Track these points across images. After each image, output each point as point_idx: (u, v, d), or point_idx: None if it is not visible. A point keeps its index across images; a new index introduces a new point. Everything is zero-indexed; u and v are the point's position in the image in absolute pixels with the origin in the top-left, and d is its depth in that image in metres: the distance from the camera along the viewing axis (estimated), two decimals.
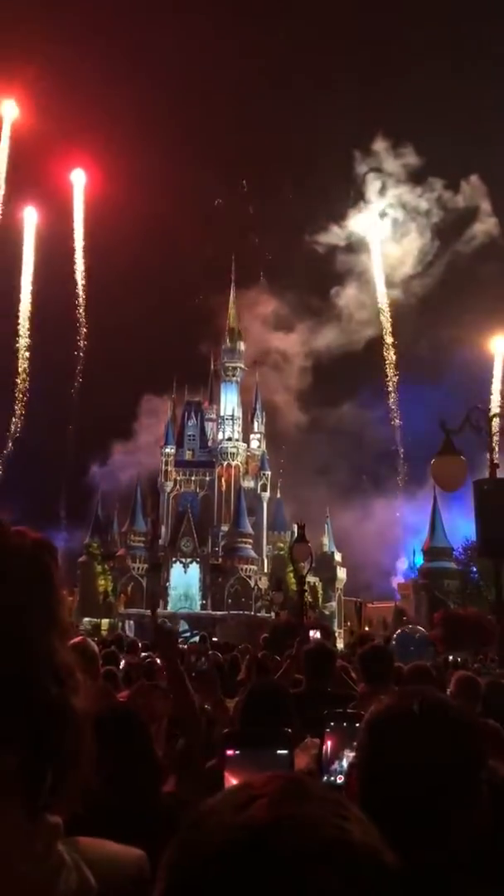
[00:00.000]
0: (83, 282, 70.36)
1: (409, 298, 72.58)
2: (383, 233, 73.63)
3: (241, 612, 58.02)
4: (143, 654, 11.18)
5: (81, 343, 70.19)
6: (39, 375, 68.01)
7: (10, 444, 65.72)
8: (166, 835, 0.71)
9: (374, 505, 69.68)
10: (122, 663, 8.20)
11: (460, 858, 1.44)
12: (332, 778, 1.80)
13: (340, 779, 1.75)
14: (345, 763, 1.82)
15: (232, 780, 1.46)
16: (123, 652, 9.98)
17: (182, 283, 77.49)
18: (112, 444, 71.52)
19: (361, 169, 72.58)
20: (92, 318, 70.94)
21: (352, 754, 1.73)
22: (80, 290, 70.27)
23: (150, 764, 2.18)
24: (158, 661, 8.57)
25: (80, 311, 70.25)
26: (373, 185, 73.21)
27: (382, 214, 73.51)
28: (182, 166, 74.94)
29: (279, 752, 1.54)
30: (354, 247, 73.83)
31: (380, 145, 72.21)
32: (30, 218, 69.87)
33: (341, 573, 67.86)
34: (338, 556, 67.83)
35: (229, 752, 1.50)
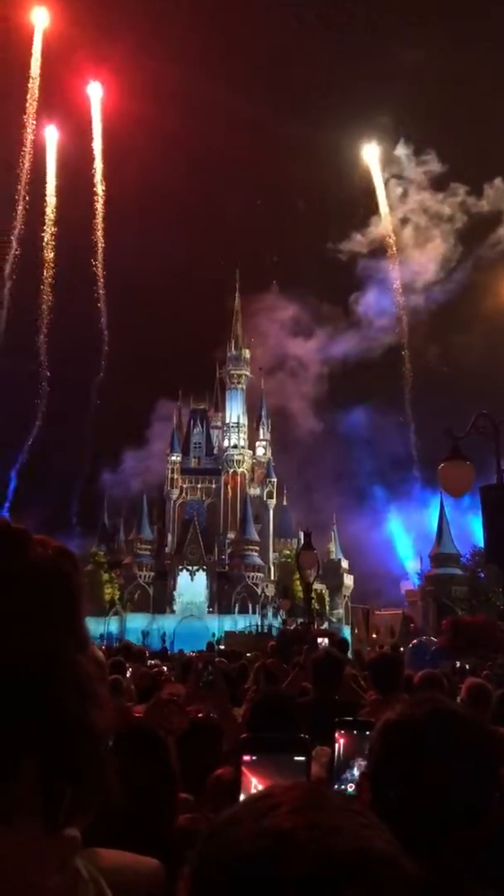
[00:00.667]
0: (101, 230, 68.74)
1: (430, 304, 72.32)
2: (405, 239, 73.42)
3: (248, 619, 57.91)
4: (151, 662, 11.16)
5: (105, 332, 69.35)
6: (60, 365, 67.61)
7: (29, 444, 65.30)
8: (181, 853, 0.71)
9: (389, 511, 69.41)
10: (129, 672, 8.17)
11: (472, 865, 1.42)
12: (343, 786, 1.79)
13: (351, 787, 1.74)
14: (356, 771, 1.80)
15: (249, 786, 1.44)
16: (130, 660, 9.95)
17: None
18: (124, 449, 71.55)
19: (383, 175, 72.15)
20: (110, 283, 69.51)
21: (363, 762, 1.72)
22: (98, 236, 68.66)
23: (169, 783, 2.16)
24: (165, 669, 8.55)
25: (100, 292, 69.28)
26: (394, 191, 72.97)
27: (404, 220, 73.29)
28: (205, 85, 72.13)
29: (296, 758, 1.52)
30: (375, 253, 73.63)
31: (401, 151, 71.87)
32: (51, 138, 67.69)
33: (348, 580, 67.72)
34: (345, 563, 67.72)
35: (246, 758, 1.48)
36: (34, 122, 65.50)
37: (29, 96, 64.62)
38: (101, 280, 69.32)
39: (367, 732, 1.72)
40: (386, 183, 71.82)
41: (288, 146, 71.37)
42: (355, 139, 69.88)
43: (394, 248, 71.82)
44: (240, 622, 58.10)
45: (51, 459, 65.71)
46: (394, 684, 4.05)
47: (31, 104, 64.93)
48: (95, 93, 67.94)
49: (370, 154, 69.60)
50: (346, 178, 71.12)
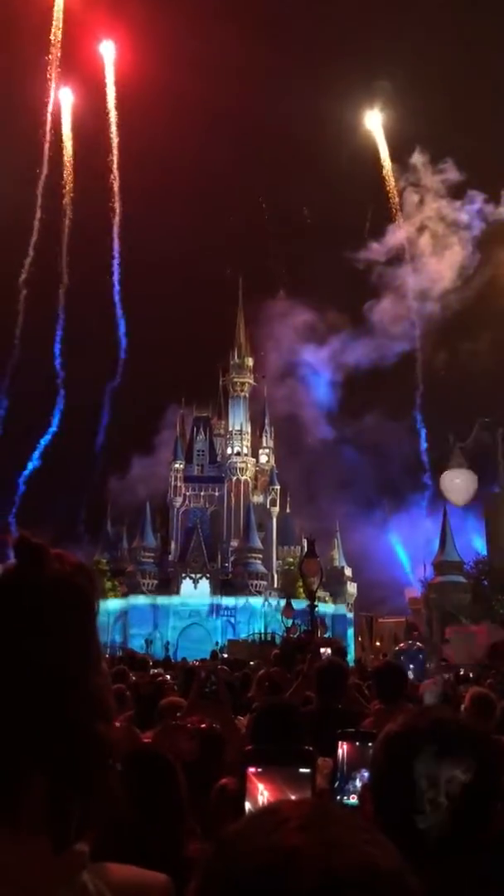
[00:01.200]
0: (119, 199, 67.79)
1: (445, 312, 71.89)
2: (421, 247, 73.08)
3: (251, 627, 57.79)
4: (154, 671, 11.14)
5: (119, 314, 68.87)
6: (74, 370, 67.41)
7: (42, 450, 65.06)
8: (188, 878, 0.71)
9: (396, 519, 69.08)
10: (132, 681, 8.16)
11: (474, 877, 1.42)
12: (346, 797, 1.78)
13: (353, 798, 1.74)
14: (358, 783, 1.80)
15: (255, 796, 1.44)
16: (134, 669, 9.94)
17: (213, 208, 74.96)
18: (133, 456, 71.45)
19: (399, 184, 71.80)
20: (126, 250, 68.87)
21: (366, 773, 1.71)
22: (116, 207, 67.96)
23: (177, 809, 2.16)
24: (168, 678, 8.54)
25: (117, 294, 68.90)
26: (410, 199, 72.59)
27: (421, 228, 72.96)
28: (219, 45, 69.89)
29: (301, 770, 1.52)
30: (391, 261, 73.27)
31: (417, 159, 71.52)
32: (66, 101, 66.39)
33: (352, 588, 67.53)
34: (348, 571, 67.54)
35: (251, 770, 1.48)
36: (53, 87, 64.65)
37: (48, 58, 63.59)
38: (117, 279, 69.05)
39: (370, 744, 1.72)
40: (402, 191, 71.52)
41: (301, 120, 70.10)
42: (369, 150, 69.74)
43: (408, 256, 71.46)
44: (242, 630, 57.95)
45: (64, 466, 65.64)
46: (398, 693, 4.04)
47: (51, 69, 64.06)
48: (108, 52, 66.38)
49: (382, 151, 69.26)
50: (360, 180, 70.49)
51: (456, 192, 72.01)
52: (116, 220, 68.19)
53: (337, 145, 69.79)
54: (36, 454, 65.75)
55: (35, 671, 0.94)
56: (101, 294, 68.48)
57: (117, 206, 67.78)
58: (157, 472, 70.58)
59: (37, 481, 65.22)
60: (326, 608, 55.94)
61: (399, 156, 70.05)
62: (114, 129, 67.34)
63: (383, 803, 1.46)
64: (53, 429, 65.68)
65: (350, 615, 65.73)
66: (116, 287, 68.78)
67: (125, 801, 2.00)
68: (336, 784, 1.83)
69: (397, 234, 71.54)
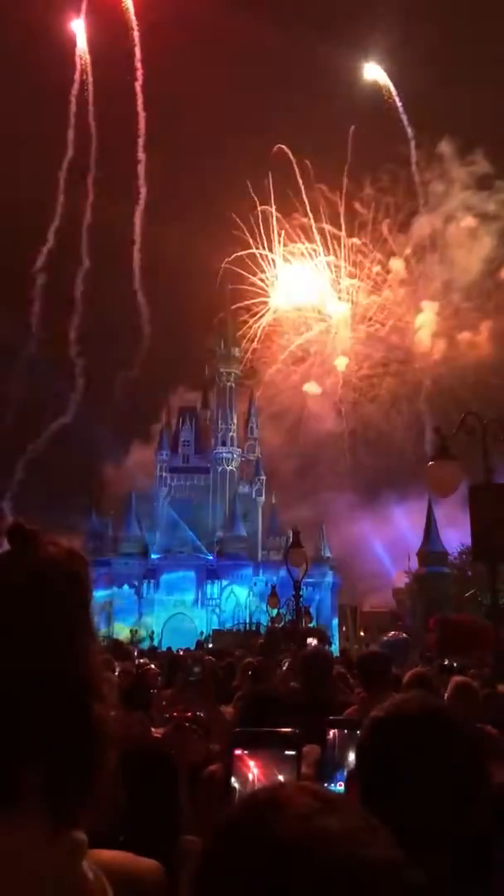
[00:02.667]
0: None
1: (467, 302, 71.39)
2: (447, 238, 72.49)
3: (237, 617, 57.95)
4: (140, 660, 11.15)
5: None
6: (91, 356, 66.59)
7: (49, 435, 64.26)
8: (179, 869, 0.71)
9: (395, 510, 69.06)
10: (117, 670, 8.17)
11: (461, 866, 1.43)
12: (333, 785, 1.80)
13: (341, 785, 1.75)
14: (345, 771, 1.81)
15: (244, 779, 1.45)
16: (119, 658, 9.94)
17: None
18: (132, 444, 71.07)
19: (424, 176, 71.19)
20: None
21: (352, 761, 1.73)
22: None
23: (173, 811, 2.15)
24: (153, 667, 8.55)
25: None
26: (436, 190, 71.85)
27: (448, 219, 72.28)
28: None
29: (287, 752, 1.53)
30: (415, 249, 72.62)
31: (445, 149, 70.72)
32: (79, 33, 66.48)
33: (338, 578, 67.85)
34: (334, 562, 67.81)
35: (237, 752, 1.48)
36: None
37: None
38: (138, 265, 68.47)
39: (357, 731, 1.74)
40: (429, 183, 70.79)
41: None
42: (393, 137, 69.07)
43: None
44: (227, 620, 58.11)
45: (68, 453, 65.21)
46: (382, 682, 4.07)
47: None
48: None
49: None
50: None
51: (483, 183, 70.57)
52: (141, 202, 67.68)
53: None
54: (34, 442, 65.19)
55: (36, 653, 0.94)
56: (119, 281, 68.05)
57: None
58: (150, 461, 70.47)
59: (41, 467, 64.74)
60: (312, 598, 56.13)
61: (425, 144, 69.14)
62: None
63: (368, 790, 1.47)
64: (66, 420, 65.11)
65: (335, 605, 66.03)
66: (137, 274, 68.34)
67: (125, 793, 2.01)
68: (324, 772, 1.83)
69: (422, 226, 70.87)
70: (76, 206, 68.22)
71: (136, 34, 67.19)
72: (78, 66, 67.40)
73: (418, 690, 1.82)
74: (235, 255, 72.75)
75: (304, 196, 72.37)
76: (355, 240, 73.12)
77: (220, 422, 70.07)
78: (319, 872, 0.61)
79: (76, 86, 67.63)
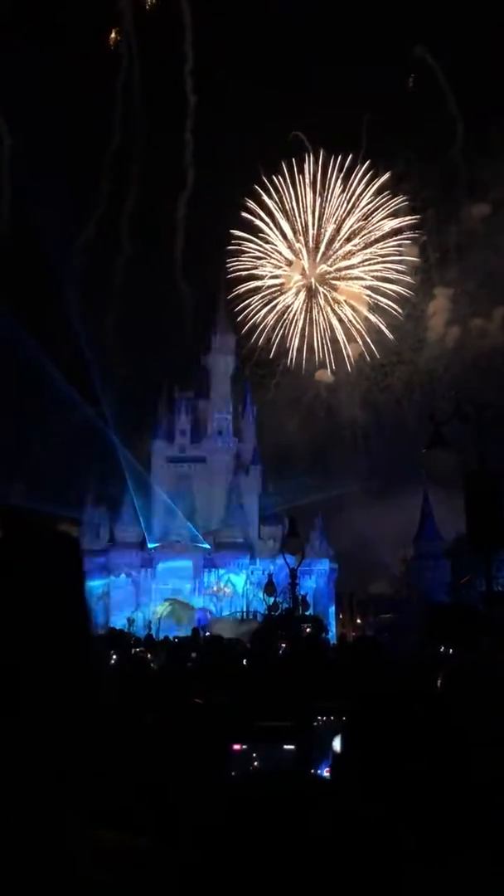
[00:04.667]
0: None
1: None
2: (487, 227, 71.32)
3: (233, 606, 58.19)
4: (136, 650, 11.21)
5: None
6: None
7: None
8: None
9: (401, 498, 68.96)
10: (114, 658, 8.22)
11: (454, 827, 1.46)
12: (320, 771, 1.82)
13: (327, 772, 1.77)
14: (330, 758, 1.84)
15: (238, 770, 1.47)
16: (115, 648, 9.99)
17: None
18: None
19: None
20: None
21: (337, 747, 1.75)
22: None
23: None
24: (148, 656, 8.60)
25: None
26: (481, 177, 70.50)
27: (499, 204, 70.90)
28: None
29: (285, 746, 1.55)
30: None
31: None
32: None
33: (334, 566, 68.06)
34: (331, 550, 67.99)
35: (236, 747, 1.50)
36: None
37: None
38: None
39: (343, 718, 1.76)
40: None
41: None
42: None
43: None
44: (225, 608, 58.34)
45: (87, 441, 64.96)
46: (374, 668, 4.11)
47: None
48: None
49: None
50: None
51: None
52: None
53: None
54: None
55: (42, 627, 0.97)
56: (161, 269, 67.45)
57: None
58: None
59: (58, 456, 64.49)
60: (309, 586, 56.35)
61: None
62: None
63: (350, 769, 1.50)
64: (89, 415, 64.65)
65: (333, 593, 66.27)
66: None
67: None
68: (311, 758, 1.86)
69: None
70: (121, 193, 67.87)
71: (187, 16, 66.39)
72: (125, 50, 66.90)
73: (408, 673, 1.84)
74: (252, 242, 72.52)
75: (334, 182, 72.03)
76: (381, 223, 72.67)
77: (216, 411, 70.04)
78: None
79: (123, 70, 67.21)
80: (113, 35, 65.72)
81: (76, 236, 66.94)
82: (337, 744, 1.80)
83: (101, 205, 66.55)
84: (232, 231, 72.99)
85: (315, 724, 1.87)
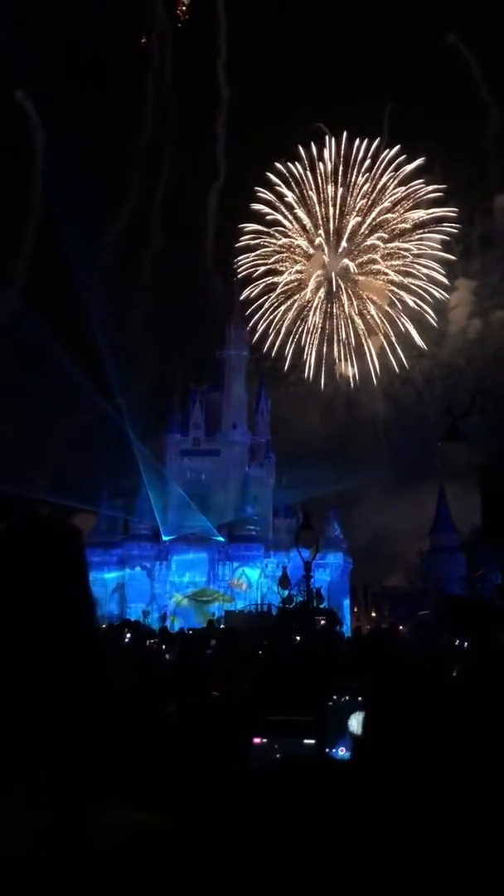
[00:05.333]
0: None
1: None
2: None
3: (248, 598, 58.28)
4: (150, 641, 11.26)
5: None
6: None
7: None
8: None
9: (417, 492, 68.79)
10: (128, 648, 8.26)
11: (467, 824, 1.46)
12: (336, 751, 1.83)
13: (343, 751, 1.77)
14: (348, 737, 1.84)
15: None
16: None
17: None
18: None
19: None
20: None
21: (353, 726, 1.75)
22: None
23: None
24: (163, 647, 8.65)
25: None
26: None
27: None
28: None
29: (305, 741, 1.56)
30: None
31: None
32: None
33: (349, 559, 67.99)
34: (347, 544, 67.91)
35: (256, 741, 1.51)
36: None
37: None
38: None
39: (359, 698, 1.76)
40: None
41: None
42: None
43: None
44: (239, 601, 58.46)
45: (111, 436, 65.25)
46: (387, 659, 4.11)
47: None
48: None
49: None
50: None
51: None
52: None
53: None
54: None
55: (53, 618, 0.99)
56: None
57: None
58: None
59: (77, 450, 64.75)
60: (323, 579, 56.34)
61: None
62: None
63: (370, 757, 1.50)
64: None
65: (348, 586, 66.23)
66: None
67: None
68: (327, 739, 1.86)
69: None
70: (151, 186, 68.16)
71: (221, 8, 66.33)
72: (156, 41, 67.12)
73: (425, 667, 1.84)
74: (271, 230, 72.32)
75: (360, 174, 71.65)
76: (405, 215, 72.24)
77: (230, 404, 70.03)
78: None
79: (155, 61, 67.37)
80: (144, 39, 65.66)
81: (106, 231, 67.12)
82: (354, 723, 1.81)
83: (133, 199, 66.65)
84: (247, 225, 72.97)
85: (329, 703, 1.88)
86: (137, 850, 1.02)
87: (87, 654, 1.01)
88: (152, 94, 66.69)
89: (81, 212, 61.59)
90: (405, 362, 73.71)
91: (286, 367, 74.02)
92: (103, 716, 1.01)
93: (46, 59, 60.83)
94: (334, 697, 1.86)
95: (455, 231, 71.41)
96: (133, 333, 68.53)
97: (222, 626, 28.65)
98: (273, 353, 74.49)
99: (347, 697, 1.87)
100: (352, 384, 74.89)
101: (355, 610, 63.24)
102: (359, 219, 73.05)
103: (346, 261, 74.27)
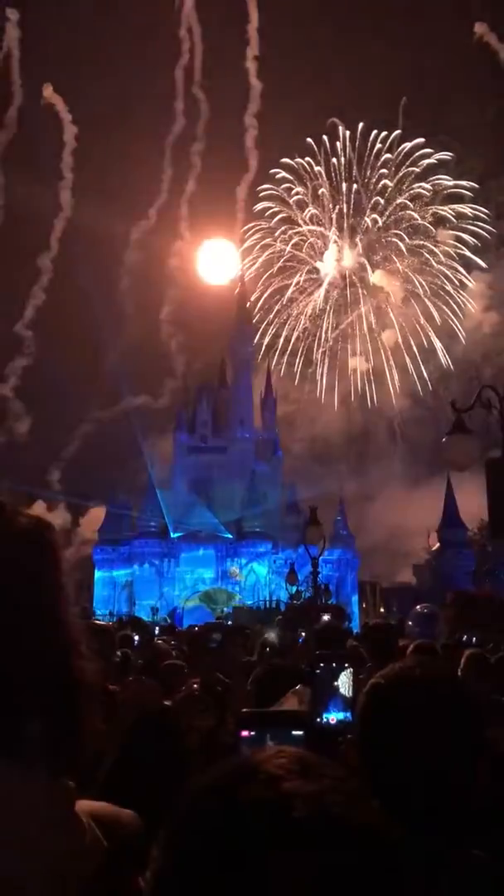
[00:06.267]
0: None
1: None
2: None
3: (256, 594, 58.32)
4: (160, 638, 11.27)
5: None
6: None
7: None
8: None
9: (427, 488, 68.65)
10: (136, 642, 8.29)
11: (460, 830, 1.45)
12: (327, 713, 1.83)
13: (333, 720, 1.77)
14: (337, 699, 1.83)
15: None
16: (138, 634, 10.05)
17: None
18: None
19: None
20: None
21: (340, 685, 1.75)
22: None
23: (176, 778, 2.20)
24: (172, 643, 8.64)
25: None
26: None
27: None
28: None
29: (294, 732, 1.56)
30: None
31: None
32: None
33: (359, 555, 67.92)
34: (355, 540, 67.85)
35: (244, 733, 1.52)
36: None
37: None
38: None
39: (346, 664, 1.78)
40: None
41: None
42: None
43: None
44: (247, 597, 58.52)
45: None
46: (389, 652, 4.11)
47: None
48: None
49: None
50: None
51: None
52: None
53: None
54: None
55: (22, 613, 0.99)
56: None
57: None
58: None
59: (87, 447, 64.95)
60: (331, 575, 56.30)
61: None
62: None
63: (369, 758, 1.49)
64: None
65: (356, 582, 66.19)
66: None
67: (134, 753, 2.08)
68: (319, 702, 1.85)
69: None
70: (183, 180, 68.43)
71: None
72: (185, 34, 67.49)
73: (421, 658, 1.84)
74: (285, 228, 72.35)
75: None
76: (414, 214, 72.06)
77: (237, 401, 70.03)
78: (281, 831, 0.58)
79: (185, 56, 67.70)
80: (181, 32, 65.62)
81: (136, 224, 67.23)
82: (341, 682, 1.81)
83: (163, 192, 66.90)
84: (257, 223, 72.90)
85: (317, 671, 1.88)
86: (106, 840, 1.03)
87: (49, 649, 1.01)
88: (181, 86, 66.79)
89: (108, 206, 61.62)
90: (419, 358, 73.53)
91: (299, 364, 73.77)
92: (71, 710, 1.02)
93: (74, 54, 61.20)
94: (321, 665, 1.87)
95: (473, 227, 71.08)
96: (147, 329, 68.68)
97: (230, 623, 28.64)
98: (288, 350, 74.36)
99: (335, 664, 1.88)
100: (367, 380, 74.72)
101: (363, 606, 63.15)
102: (375, 216, 72.91)
103: (360, 256, 74.13)
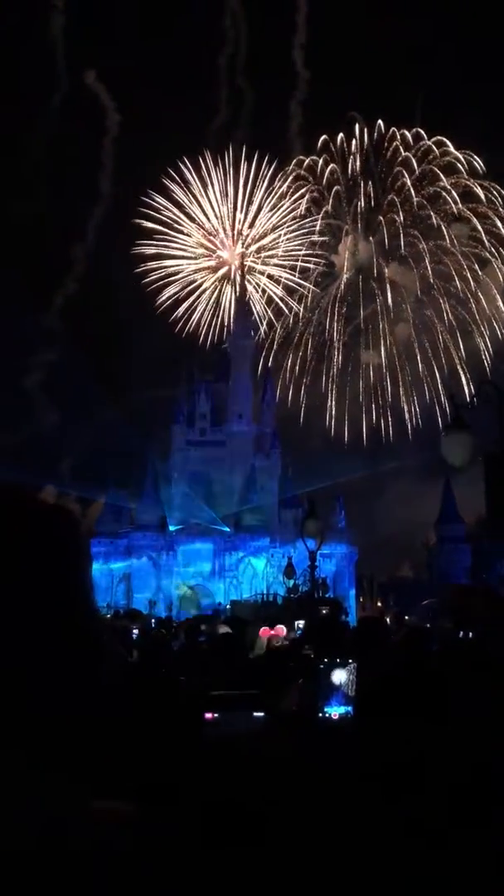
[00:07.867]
0: None
1: None
2: None
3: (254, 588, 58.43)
4: (158, 630, 11.33)
5: None
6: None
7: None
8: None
9: (426, 482, 68.66)
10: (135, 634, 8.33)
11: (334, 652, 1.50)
12: (329, 707, 1.86)
13: (335, 716, 1.80)
14: (341, 694, 1.87)
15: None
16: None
17: None
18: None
19: None
20: None
21: (338, 681, 1.78)
22: None
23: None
24: (163, 632, 8.66)
25: None
26: None
27: None
28: None
29: (255, 714, 1.59)
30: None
31: None
32: None
33: (356, 550, 68.00)
34: (353, 534, 67.92)
35: (208, 716, 1.55)
36: None
37: None
38: None
39: (347, 665, 1.80)
40: None
41: None
42: None
43: None
44: (245, 591, 58.61)
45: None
46: (376, 643, 4.14)
47: None
48: None
49: None
50: None
51: None
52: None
53: None
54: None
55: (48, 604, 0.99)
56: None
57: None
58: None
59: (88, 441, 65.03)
60: (329, 569, 56.40)
61: None
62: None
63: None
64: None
65: (354, 576, 66.31)
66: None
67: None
68: (321, 696, 1.88)
69: None
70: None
71: None
72: (230, 22, 67.41)
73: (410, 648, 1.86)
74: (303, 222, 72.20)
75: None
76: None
77: (236, 394, 69.95)
78: None
79: (229, 44, 67.72)
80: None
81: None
82: (342, 679, 1.84)
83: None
84: (263, 218, 72.79)
85: (321, 666, 1.92)
86: (120, 839, 1.04)
87: (80, 644, 1.01)
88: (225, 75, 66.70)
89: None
90: (430, 352, 73.46)
91: (310, 358, 73.63)
92: (91, 707, 1.02)
93: (118, 42, 61.00)
94: (325, 660, 1.91)
95: (489, 225, 70.87)
96: (143, 321, 68.62)
97: (227, 616, 28.72)
98: (292, 341, 74.23)
99: (339, 660, 1.92)
100: (379, 373, 74.64)
101: (361, 600, 63.29)
102: (392, 215, 72.71)
103: (372, 251, 73.99)
